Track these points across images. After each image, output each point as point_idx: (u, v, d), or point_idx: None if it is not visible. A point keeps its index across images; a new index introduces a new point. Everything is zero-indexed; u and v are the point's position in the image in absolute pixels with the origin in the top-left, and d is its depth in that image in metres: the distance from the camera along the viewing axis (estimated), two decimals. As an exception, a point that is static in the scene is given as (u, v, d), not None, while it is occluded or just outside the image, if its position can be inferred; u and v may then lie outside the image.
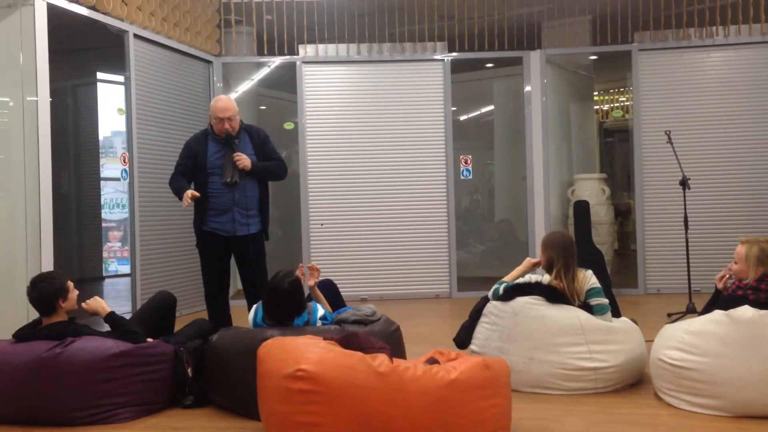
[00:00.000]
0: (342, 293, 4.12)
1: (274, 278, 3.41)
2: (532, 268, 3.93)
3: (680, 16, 7.02)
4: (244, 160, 4.28)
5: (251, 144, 4.43)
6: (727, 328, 3.12)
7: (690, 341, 3.20)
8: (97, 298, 3.55)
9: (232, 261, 4.55)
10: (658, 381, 3.39)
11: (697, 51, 6.99)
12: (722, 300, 3.42)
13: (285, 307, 3.39)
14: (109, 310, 3.50)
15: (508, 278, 3.87)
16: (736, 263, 3.51)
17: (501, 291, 3.76)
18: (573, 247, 3.73)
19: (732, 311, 3.14)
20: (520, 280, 3.78)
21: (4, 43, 4.73)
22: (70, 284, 3.41)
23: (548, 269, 3.73)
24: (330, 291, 3.96)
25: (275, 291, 3.37)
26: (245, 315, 4.21)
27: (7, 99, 4.77)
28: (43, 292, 3.31)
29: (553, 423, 3.11)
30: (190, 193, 4.20)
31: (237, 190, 4.31)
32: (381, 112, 7.17)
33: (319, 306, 3.56)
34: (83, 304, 3.51)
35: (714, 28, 6.97)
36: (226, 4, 7.15)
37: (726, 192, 6.86)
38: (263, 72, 7.65)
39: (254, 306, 3.59)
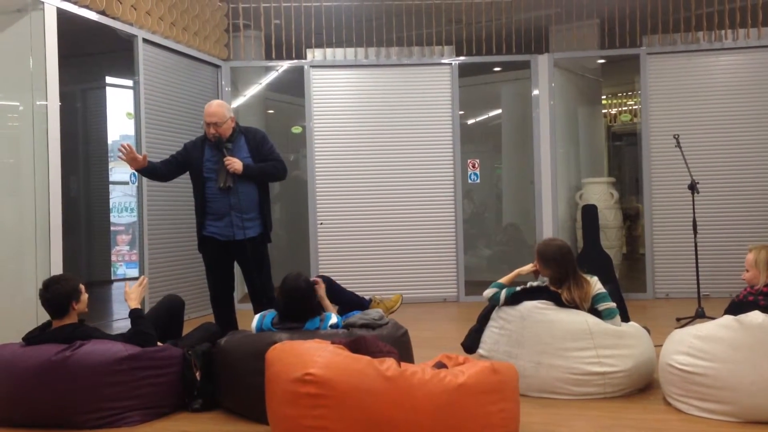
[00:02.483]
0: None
1: (289, 277, 3.46)
2: (534, 276, 3.92)
3: (689, 19, 7.00)
4: (234, 163, 4.24)
5: (247, 146, 4.39)
6: (736, 333, 3.10)
7: (699, 346, 3.19)
8: (139, 290, 3.64)
9: (237, 265, 4.56)
10: (667, 386, 3.38)
11: (706, 54, 6.96)
12: (732, 305, 3.41)
13: (300, 305, 3.43)
14: (137, 306, 3.57)
15: (504, 280, 3.85)
16: (747, 271, 3.51)
17: (502, 298, 3.74)
18: (572, 255, 3.71)
19: (742, 316, 3.13)
20: (528, 283, 3.77)
21: (14, 47, 4.76)
22: (82, 287, 3.43)
23: (555, 282, 3.70)
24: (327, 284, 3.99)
25: (293, 288, 3.43)
26: (252, 319, 4.22)
27: (17, 103, 4.80)
28: (57, 294, 3.33)
29: (561, 428, 3.10)
30: (128, 144, 4.23)
31: (232, 194, 4.29)
32: (388, 115, 7.17)
33: (332, 315, 3.58)
34: (127, 284, 3.61)
35: (723, 31, 6.95)
36: (234, 9, 7.17)
37: (735, 196, 6.82)
38: (271, 76, 7.67)
39: (257, 315, 3.60)
